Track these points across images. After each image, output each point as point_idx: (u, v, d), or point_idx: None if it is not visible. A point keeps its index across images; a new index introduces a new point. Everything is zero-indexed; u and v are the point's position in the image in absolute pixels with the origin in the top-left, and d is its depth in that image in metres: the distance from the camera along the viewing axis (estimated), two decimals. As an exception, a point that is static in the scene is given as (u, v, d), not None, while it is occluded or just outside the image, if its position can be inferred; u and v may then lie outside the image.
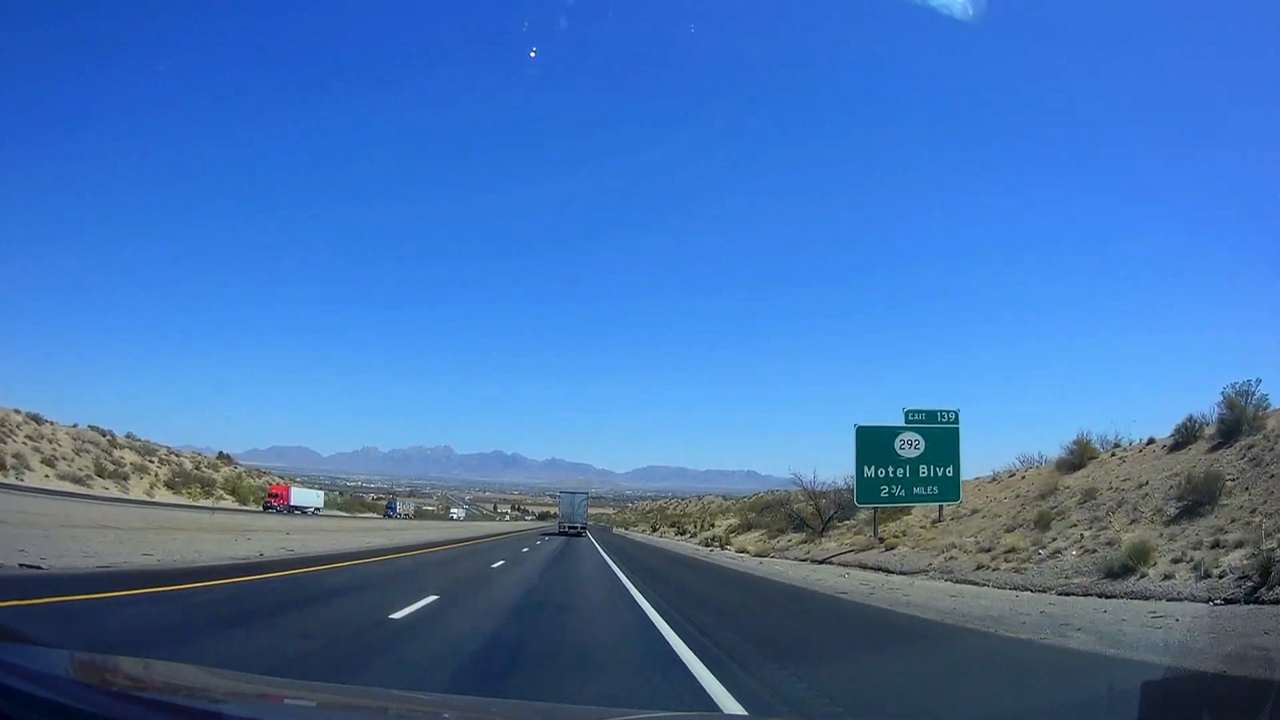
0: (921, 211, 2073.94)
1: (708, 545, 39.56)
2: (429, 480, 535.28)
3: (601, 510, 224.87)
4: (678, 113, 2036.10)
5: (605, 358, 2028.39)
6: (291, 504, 68.32)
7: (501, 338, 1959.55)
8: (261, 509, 60.61)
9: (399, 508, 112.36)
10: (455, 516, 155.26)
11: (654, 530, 76.94)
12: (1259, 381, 18.08)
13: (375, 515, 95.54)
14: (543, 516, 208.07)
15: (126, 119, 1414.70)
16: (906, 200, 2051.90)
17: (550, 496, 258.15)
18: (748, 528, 39.36)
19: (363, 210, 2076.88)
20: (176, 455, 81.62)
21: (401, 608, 9.72)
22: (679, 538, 52.62)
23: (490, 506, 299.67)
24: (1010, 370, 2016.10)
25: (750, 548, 31.72)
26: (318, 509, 77.58)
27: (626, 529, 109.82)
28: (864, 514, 28.66)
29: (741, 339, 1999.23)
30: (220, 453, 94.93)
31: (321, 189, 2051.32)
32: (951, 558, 19.35)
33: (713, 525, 48.62)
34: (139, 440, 75.36)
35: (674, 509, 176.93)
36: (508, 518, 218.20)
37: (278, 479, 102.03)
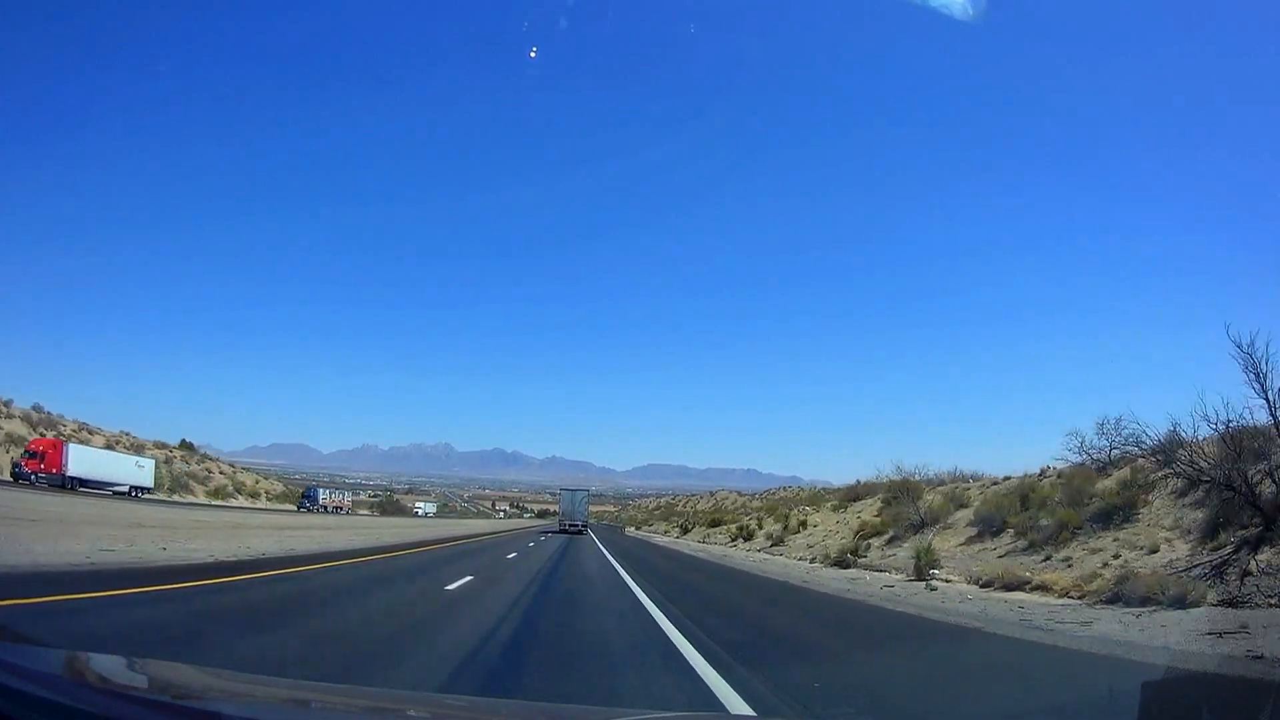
0: (922, 211, 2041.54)
1: (841, 566, 20.37)
2: (429, 478, 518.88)
3: (602, 508, 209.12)
4: (677, 113, 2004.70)
5: (605, 356, 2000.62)
6: (69, 473, 39.80)
7: (502, 336, 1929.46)
8: (12, 478, 37.19)
9: (322, 496, 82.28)
10: (421, 513, 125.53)
11: (684, 532, 57.05)
12: None
13: (270, 508, 67.57)
14: (542, 514, 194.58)
15: (126, 119, 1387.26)
16: (906, 200, 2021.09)
17: (550, 494, 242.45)
18: (925, 526, 20.55)
19: (363, 210, 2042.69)
20: (91, 433, 65.05)
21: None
22: (741, 546, 34.52)
23: (489, 504, 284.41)
24: (1010, 370, 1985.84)
25: (1054, 580, 12.10)
26: (140, 488, 48.87)
27: (639, 528, 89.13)
28: None
29: (741, 338, 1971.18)
30: (183, 440, 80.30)
31: (321, 189, 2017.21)
32: None
33: (802, 525, 29.85)
34: (43, 413, 59.85)
35: (683, 505, 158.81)
36: (502, 515, 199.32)
37: (226, 466, 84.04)
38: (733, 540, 37.12)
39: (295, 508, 69.17)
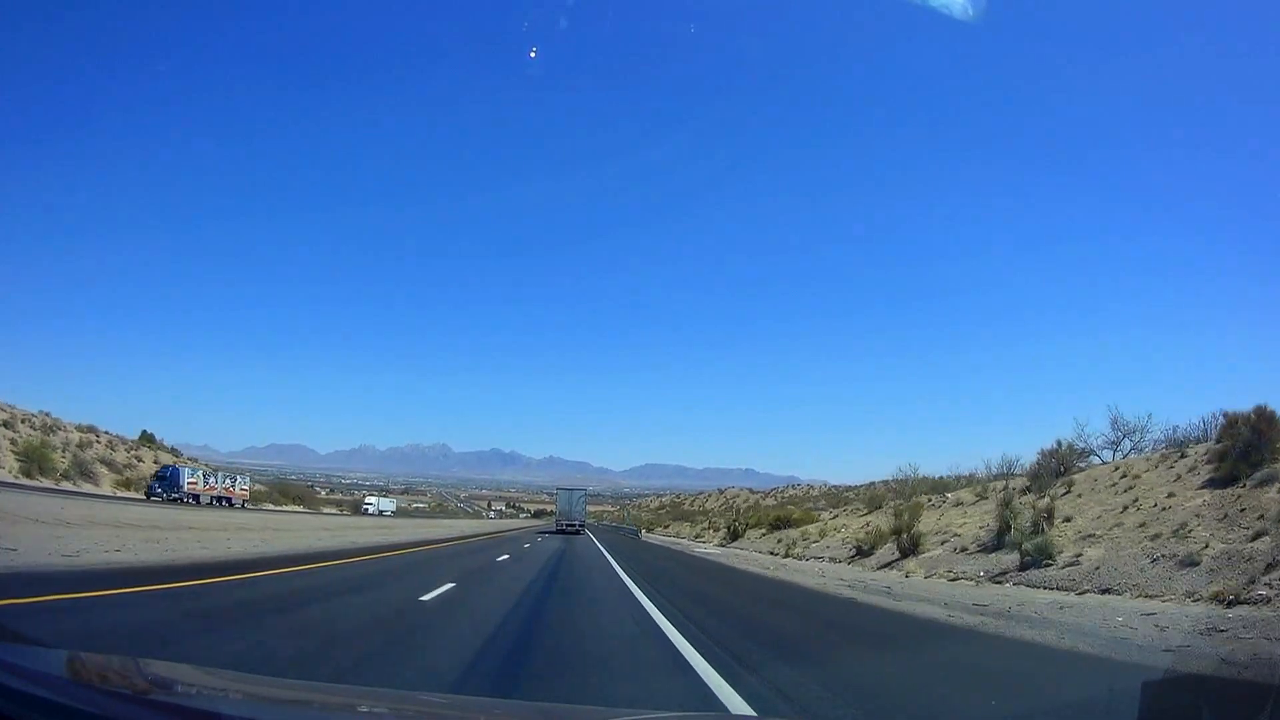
0: (921, 211, 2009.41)
1: None
2: (427, 478, 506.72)
3: (601, 508, 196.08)
4: (677, 113, 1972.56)
5: (603, 356, 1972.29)
6: None
7: (500, 336, 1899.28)
8: None
9: (188, 478, 52.28)
10: (373, 510, 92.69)
11: (734, 536, 39.84)
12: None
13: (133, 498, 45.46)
14: (538, 514, 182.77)
15: (126, 119, 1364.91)
16: (906, 200, 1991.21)
17: (548, 494, 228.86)
18: None
19: (362, 210, 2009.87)
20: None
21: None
22: (908, 568, 17.61)
23: (485, 504, 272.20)
24: (1008, 372, 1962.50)
25: None
26: None
27: (651, 530, 71.70)
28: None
29: (738, 339, 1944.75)
30: (143, 432, 71.76)
31: (320, 188, 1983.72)
32: None
33: (1046, 516, 14.84)
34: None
35: (691, 504, 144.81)
36: (492, 516, 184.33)
37: (169, 457, 70.04)
38: (858, 556, 21.50)
39: (145, 495, 45.70)
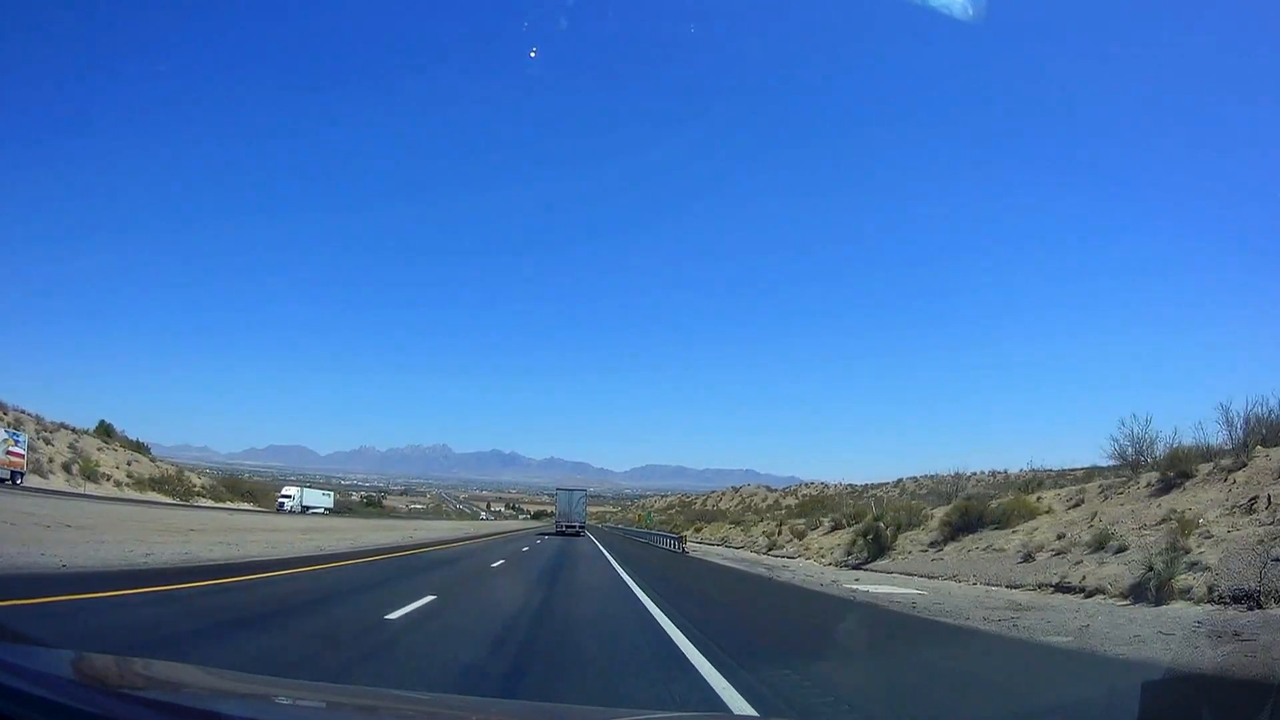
0: (921, 212, 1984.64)
1: None
2: (427, 479, 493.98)
3: (601, 509, 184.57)
4: (677, 112, 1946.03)
5: (603, 356, 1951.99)
6: None
7: (500, 336, 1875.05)
8: None
9: None
10: (293, 506, 67.45)
11: (879, 551, 20.27)
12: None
13: None
14: (538, 515, 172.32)
15: (125, 119, 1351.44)
16: (905, 200, 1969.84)
17: (548, 495, 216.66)
18: None
19: (360, 210, 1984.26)
20: None
21: None
22: None
23: (485, 505, 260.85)
24: (1005, 372, 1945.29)
25: None
26: None
27: (688, 535, 47.18)
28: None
29: (739, 339, 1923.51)
30: (101, 422, 63.73)
31: (319, 189, 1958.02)
32: None
33: None
34: None
35: (702, 504, 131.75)
36: (485, 517, 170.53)
37: (92, 440, 57.36)
38: None
39: None
